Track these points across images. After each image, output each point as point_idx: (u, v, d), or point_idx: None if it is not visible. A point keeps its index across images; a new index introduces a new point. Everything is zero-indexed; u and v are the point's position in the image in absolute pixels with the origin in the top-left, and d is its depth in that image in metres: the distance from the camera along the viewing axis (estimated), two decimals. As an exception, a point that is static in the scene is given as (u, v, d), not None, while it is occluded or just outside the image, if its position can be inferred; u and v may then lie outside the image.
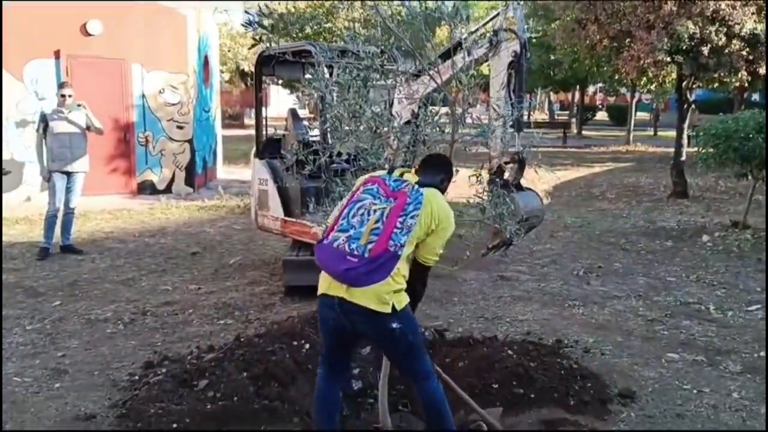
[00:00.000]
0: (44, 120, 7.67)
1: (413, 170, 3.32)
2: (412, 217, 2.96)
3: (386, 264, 2.90)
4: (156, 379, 4.11)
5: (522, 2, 4.46)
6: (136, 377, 4.36)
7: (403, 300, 3.02)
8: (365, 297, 2.92)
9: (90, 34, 11.38)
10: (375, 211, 2.97)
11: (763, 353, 4.89)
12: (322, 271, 3.05)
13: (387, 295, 2.93)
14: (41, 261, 7.50)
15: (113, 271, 7.20)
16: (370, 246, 2.89)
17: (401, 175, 3.16)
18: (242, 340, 4.64)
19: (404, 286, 3.04)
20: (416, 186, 3.06)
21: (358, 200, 3.05)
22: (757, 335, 5.27)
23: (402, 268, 3.01)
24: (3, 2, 10.39)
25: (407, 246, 2.97)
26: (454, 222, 3.17)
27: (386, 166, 3.78)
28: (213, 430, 3.58)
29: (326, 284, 3.04)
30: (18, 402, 4.04)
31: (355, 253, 2.89)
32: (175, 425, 3.56)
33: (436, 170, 3.30)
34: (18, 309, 5.86)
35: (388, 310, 2.94)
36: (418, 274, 3.22)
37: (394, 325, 2.98)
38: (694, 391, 4.24)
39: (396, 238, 2.92)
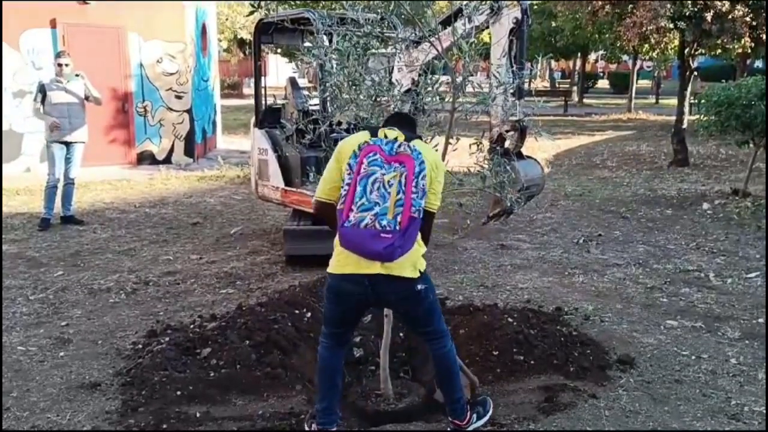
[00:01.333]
0: (42, 90, 7.62)
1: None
2: (422, 178, 2.96)
3: (413, 231, 2.95)
4: (159, 348, 4.14)
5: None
6: (140, 346, 4.39)
7: (424, 262, 3.13)
8: (400, 268, 2.98)
9: (86, 2, 11.25)
10: (390, 183, 2.92)
11: (761, 320, 4.92)
12: (343, 251, 3.01)
13: (417, 260, 3.05)
14: (42, 232, 7.51)
15: (114, 242, 7.22)
16: (399, 218, 2.88)
17: (385, 135, 3.08)
18: (244, 308, 4.68)
19: (424, 247, 3.13)
20: (410, 144, 3.02)
21: (368, 175, 2.94)
22: (756, 302, 5.30)
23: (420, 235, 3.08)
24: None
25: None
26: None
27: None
28: (216, 396, 3.63)
29: (353, 263, 3.00)
30: (23, 371, 4.08)
31: (388, 228, 2.87)
32: (178, 392, 3.61)
33: (408, 124, 3.27)
34: (21, 279, 5.89)
35: (419, 274, 3.06)
36: (425, 222, 3.16)
37: (419, 287, 3.07)
38: (693, 357, 4.28)
39: (416, 203, 2.93)
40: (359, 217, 2.89)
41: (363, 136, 3.10)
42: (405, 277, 3.00)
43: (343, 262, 3.05)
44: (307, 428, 3.27)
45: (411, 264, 3.01)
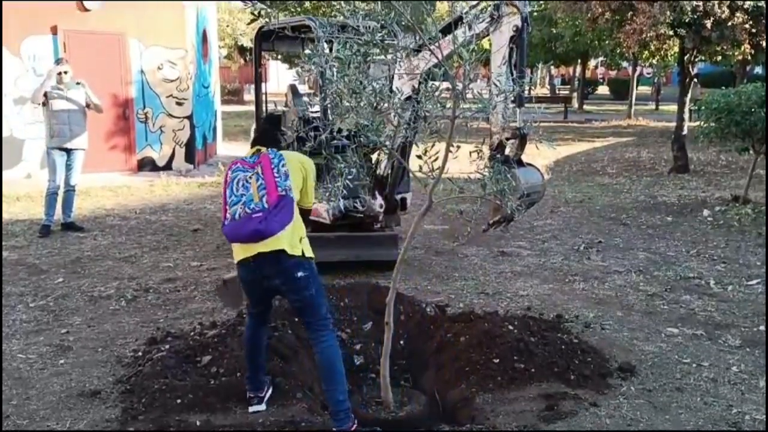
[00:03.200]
0: (44, 97, 7.62)
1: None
2: (283, 166, 3.37)
3: (287, 206, 3.29)
4: (159, 355, 4.13)
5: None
6: (140, 353, 4.39)
7: (310, 250, 3.46)
8: (279, 242, 3.28)
9: (87, 9, 11.27)
10: (250, 178, 3.33)
11: (762, 327, 4.92)
12: (236, 244, 3.38)
13: (297, 239, 3.37)
14: (43, 238, 7.52)
15: (115, 248, 7.22)
16: (264, 198, 3.25)
17: (257, 152, 3.50)
18: (244, 316, 4.66)
19: (305, 235, 3.47)
20: (269, 150, 3.47)
21: (232, 180, 3.36)
22: (757, 309, 5.30)
23: (299, 218, 3.44)
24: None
25: (294, 190, 3.40)
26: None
27: (387, 142, 3.77)
28: (216, 404, 3.62)
29: (242, 250, 3.37)
30: (23, 378, 4.08)
31: (256, 209, 3.24)
32: (179, 400, 3.60)
33: (272, 141, 3.63)
34: (21, 286, 5.89)
35: (299, 253, 3.36)
36: (303, 217, 3.60)
37: (300, 274, 3.36)
38: (694, 365, 4.27)
39: (281, 184, 3.30)
40: (232, 211, 3.28)
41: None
42: (282, 250, 3.28)
43: (235, 250, 3.43)
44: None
45: (288, 241, 3.31)
